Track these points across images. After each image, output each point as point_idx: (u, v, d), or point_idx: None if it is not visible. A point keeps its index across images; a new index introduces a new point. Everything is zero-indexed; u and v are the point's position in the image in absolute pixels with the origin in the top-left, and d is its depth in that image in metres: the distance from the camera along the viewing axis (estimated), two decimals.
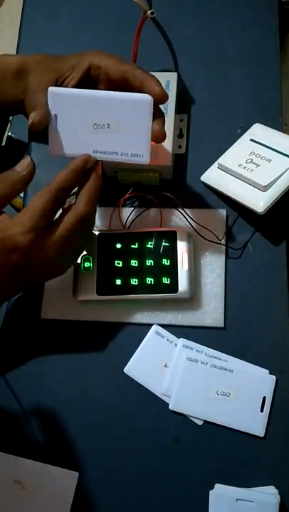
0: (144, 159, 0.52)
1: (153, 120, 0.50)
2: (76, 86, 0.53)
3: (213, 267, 0.59)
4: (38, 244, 0.48)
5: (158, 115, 0.51)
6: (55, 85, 0.53)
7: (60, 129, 0.52)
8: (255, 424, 0.54)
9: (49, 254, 0.49)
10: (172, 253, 0.58)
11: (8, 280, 0.50)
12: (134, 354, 0.57)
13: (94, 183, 0.51)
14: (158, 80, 0.51)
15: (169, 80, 0.63)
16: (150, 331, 0.58)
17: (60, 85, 0.53)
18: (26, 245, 0.48)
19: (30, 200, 0.49)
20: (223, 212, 0.61)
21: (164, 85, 0.62)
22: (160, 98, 0.50)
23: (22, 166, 0.50)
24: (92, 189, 0.51)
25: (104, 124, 0.51)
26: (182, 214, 0.59)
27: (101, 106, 0.50)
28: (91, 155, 0.51)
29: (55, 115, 0.52)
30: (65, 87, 0.53)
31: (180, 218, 0.60)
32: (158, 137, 0.51)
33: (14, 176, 0.50)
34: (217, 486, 0.53)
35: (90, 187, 0.51)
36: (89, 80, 0.54)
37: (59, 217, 0.50)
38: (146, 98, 0.50)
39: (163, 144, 0.59)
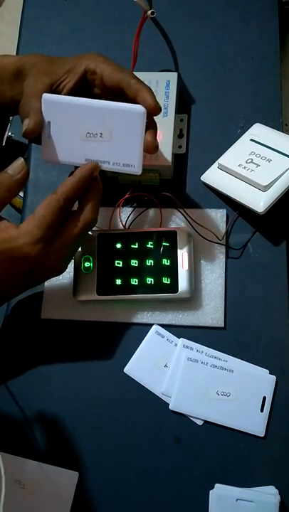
0: (136, 170, 0.52)
1: (146, 131, 0.51)
2: (71, 90, 0.53)
3: (213, 267, 0.59)
4: (46, 253, 0.49)
5: (151, 126, 0.52)
6: (50, 90, 0.52)
7: (53, 136, 0.52)
8: (255, 424, 0.54)
9: (56, 260, 0.50)
10: (172, 253, 0.58)
11: (15, 285, 0.51)
12: (134, 354, 0.57)
13: (97, 189, 0.52)
14: (152, 91, 0.51)
15: (169, 80, 0.63)
16: (150, 331, 0.58)
17: (56, 89, 0.53)
18: (35, 255, 0.48)
19: (37, 209, 0.49)
20: (223, 212, 0.61)
21: (164, 85, 0.63)
22: (153, 110, 0.50)
23: (15, 169, 0.50)
24: (96, 196, 0.51)
25: (97, 133, 0.51)
26: (182, 214, 0.59)
27: (94, 115, 0.50)
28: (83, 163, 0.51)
29: (49, 122, 0.51)
30: (61, 91, 0.53)
31: (180, 218, 0.61)
32: (150, 148, 0.51)
33: (9, 179, 0.50)
34: (217, 486, 0.53)
35: (95, 194, 0.51)
36: (84, 85, 0.54)
37: (66, 225, 0.50)
38: (139, 109, 0.50)
39: (163, 144, 0.59)
